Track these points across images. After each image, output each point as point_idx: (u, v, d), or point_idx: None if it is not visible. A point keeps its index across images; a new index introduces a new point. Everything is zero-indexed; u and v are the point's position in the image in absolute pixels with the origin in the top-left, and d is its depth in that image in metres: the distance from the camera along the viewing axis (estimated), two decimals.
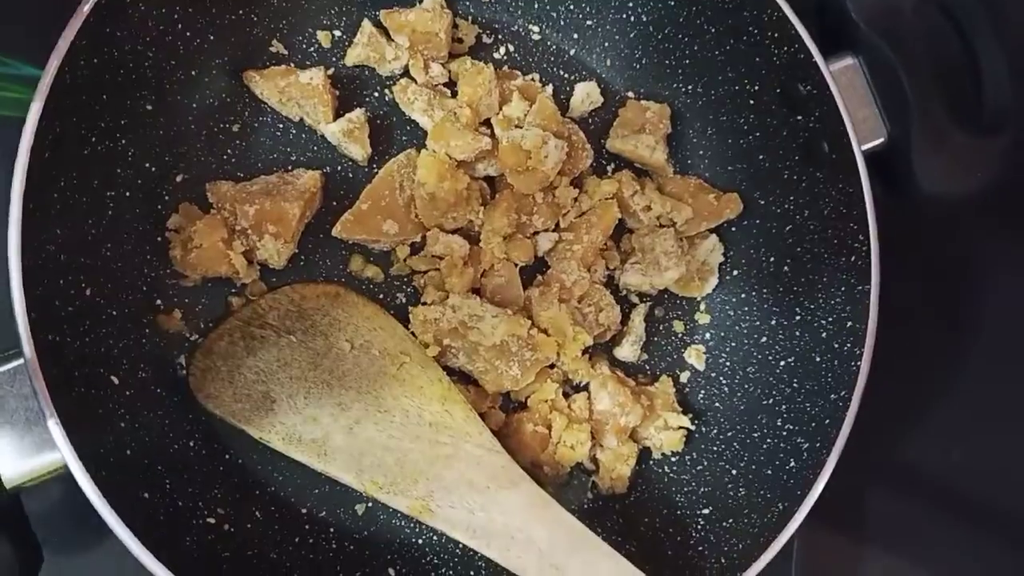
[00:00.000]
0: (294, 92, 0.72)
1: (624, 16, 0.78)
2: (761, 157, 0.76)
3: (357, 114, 0.73)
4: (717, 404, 0.77)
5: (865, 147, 0.71)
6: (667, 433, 0.74)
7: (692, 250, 0.78)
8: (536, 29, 0.80)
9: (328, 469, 0.66)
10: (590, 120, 0.80)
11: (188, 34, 0.69)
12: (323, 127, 0.73)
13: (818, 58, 0.70)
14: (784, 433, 0.72)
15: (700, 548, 0.70)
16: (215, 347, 0.68)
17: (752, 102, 0.76)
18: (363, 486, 0.65)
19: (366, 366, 0.68)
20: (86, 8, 0.58)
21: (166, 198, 0.70)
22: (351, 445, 0.66)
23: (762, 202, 0.77)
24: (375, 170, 0.73)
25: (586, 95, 0.79)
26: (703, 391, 0.78)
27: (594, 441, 0.73)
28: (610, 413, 0.73)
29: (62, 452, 0.55)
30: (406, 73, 0.76)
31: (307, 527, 0.69)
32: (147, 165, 0.68)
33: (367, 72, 0.76)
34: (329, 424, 0.66)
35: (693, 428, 0.75)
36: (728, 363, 0.78)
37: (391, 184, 0.71)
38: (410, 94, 0.74)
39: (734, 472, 0.73)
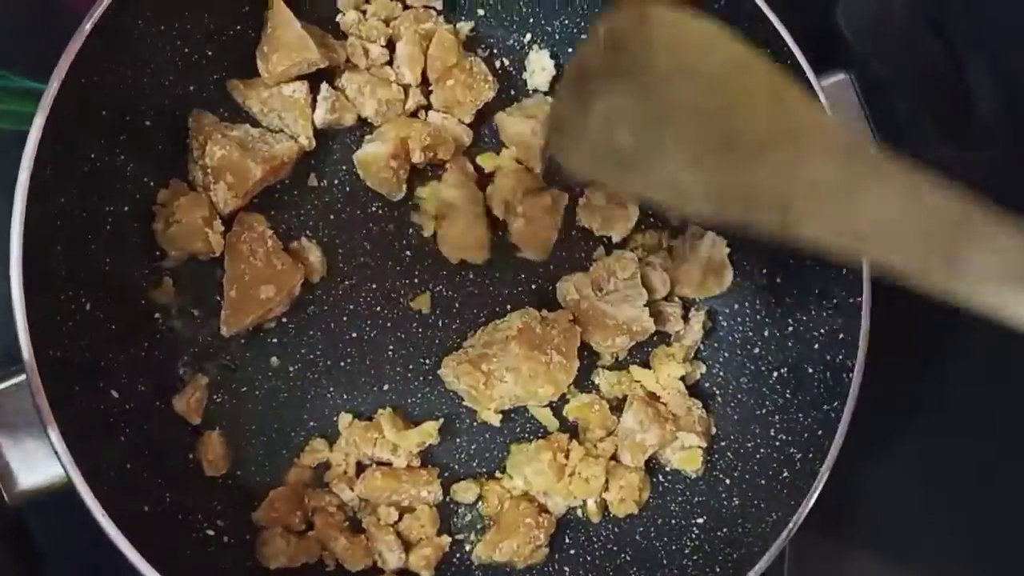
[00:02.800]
0: (275, 104, 0.72)
1: None
2: None
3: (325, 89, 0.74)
4: (711, 414, 0.78)
5: None
6: (683, 453, 0.75)
7: (693, 252, 0.79)
8: (528, 41, 0.81)
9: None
10: None
11: (186, 50, 0.69)
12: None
13: (810, 73, 0.70)
14: (777, 443, 0.72)
15: (695, 557, 0.71)
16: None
17: None
18: None
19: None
20: (87, 26, 0.58)
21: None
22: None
23: None
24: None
25: (541, 68, 0.80)
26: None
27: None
28: (630, 429, 0.74)
29: (64, 466, 0.56)
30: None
31: None
32: (145, 179, 0.69)
33: None
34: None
35: (704, 446, 0.76)
36: (721, 373, 0.79)
37: (242, 257, 0.70)
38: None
39: (728, 482, 0.74)
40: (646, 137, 0.56)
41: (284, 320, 0.72)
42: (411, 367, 0.74)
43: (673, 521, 0.74)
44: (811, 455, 0.69)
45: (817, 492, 0.67)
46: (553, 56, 0.80)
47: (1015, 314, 0.44)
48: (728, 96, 0.56)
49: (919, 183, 0.50)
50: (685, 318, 0.79)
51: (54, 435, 0.55)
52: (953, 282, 0.46)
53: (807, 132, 0.53)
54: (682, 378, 0.78)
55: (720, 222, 0.64)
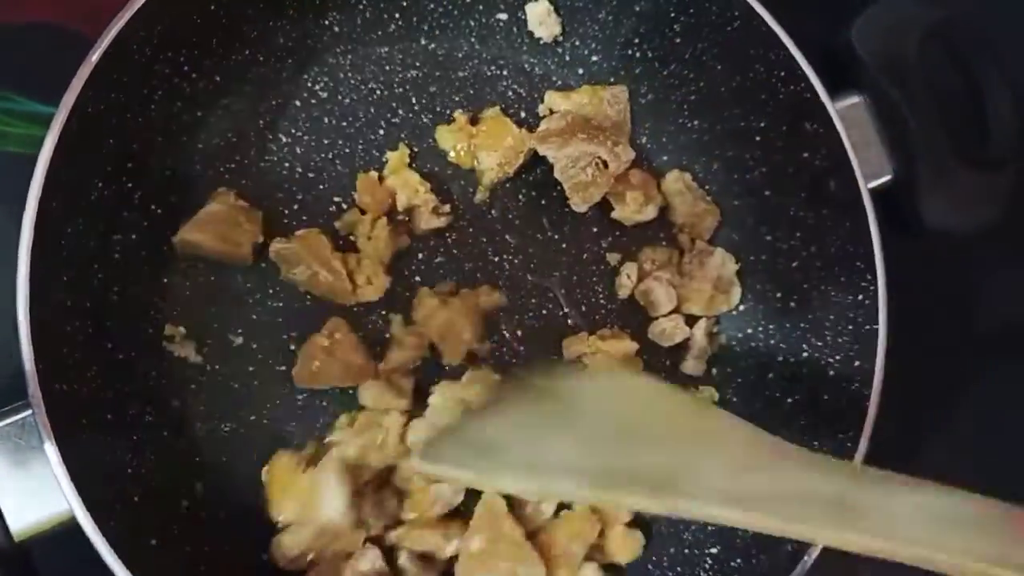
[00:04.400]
0: None
1: (630, 52, 0.78)
2: (767, 193, 0.76)
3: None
4: None
5: (871, 184, 0.71)
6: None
7: (702, 268, 0.78)
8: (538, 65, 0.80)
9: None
10: None
11: (194, 76, 0.69)
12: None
13: (824, 97, 0.70)
14: None
15: None
16: None
17: (759, 138, 0.75)
18: None
19: None
20: (95, 57, 0.58)
21: (173, 240, 0.70)
22: None
23: (768, 238, 0.77)
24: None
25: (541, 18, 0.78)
26: None
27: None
28: None
29: (70, 502, 0.55)
30: None
31: None
32: (153, 207, 0.68)
33: None
34: None
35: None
36: (735, 399, 0.77)
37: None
38: None
39: None
40: (533, 429, 0.55)
41: None
42: None
43: (686, 551, 0.73)
44: None
45: None
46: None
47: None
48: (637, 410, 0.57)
49: (813, 460, 0.53)
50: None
51: (59, 470, 0.55)
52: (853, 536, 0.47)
53: (709, 430, 0.55)
54: None
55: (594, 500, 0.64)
